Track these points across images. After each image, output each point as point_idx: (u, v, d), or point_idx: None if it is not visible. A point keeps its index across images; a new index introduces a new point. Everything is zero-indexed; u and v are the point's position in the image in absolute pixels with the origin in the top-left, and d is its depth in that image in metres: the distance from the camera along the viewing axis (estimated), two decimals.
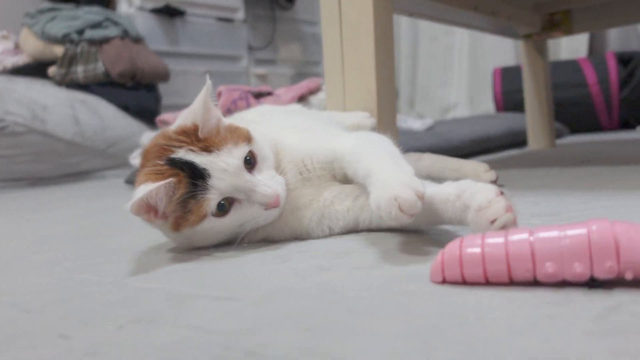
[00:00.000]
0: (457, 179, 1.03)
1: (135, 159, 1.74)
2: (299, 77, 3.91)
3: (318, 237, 0.70)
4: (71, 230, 1.03)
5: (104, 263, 0.70)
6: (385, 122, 1.02)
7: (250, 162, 0.65)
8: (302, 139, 0.73)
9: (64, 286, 0.60)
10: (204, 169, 0.62)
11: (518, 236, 0.45)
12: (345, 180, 0.71)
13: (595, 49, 2.87)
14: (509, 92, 2.62)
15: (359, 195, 0.69)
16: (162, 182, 0.60)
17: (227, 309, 0.47)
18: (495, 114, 2.29)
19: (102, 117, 2.46)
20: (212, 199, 0.62)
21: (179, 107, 3.12)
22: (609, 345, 0.33)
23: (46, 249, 0.84)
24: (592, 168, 1.16)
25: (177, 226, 0.64)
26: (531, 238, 0.44)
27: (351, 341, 0.38)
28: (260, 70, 3.59)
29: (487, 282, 0.46)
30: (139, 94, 2.75)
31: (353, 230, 0.71)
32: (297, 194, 0.69)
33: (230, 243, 0.68)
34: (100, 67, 2.64)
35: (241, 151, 0.64)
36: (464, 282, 0.47)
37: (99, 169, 2.45)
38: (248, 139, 0.66)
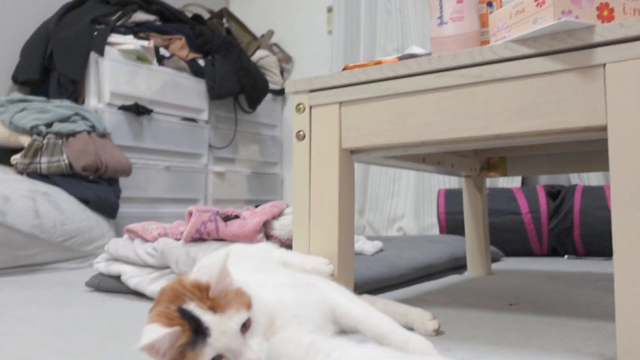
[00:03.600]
0: (404, 323, 1.17)
1: (99, 264, 1.79)
2: (255, 176, 4.07)
3: None
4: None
5: None
6: (344, 269, 1.16)
7: (244, 326, 0.76)
8: (296, 295, 0.87)
9: None
10: (207, 327, 0.72)
11: None
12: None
13: (528, 180, 3.18)
14: (451, 213, 2.86)
15: (331, 351, 0.80)
16: (168, 331, 0.70)
17: None
18: (438, 238, 2.48)
19: (62, 210, 2.51)
20: (206, 354, 0.72)
21: (138, 201, 3.20)
22: None
23: None
24: (518, 316, 1.32)
25: None
26: None
27: None
28: (219, 168, 3.74)
29: None
30: (100, 187, 2.81)
31: None
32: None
33: None
34: (64, 159, 2.72)
35: (241, 317, 0.75)
36: None
37: (53, 261, 2.46)
38: (248, 305, 0.77)
